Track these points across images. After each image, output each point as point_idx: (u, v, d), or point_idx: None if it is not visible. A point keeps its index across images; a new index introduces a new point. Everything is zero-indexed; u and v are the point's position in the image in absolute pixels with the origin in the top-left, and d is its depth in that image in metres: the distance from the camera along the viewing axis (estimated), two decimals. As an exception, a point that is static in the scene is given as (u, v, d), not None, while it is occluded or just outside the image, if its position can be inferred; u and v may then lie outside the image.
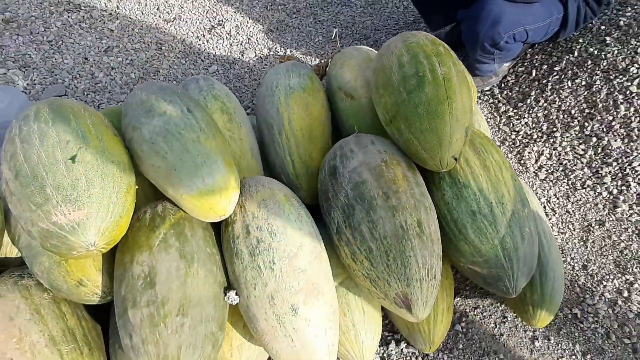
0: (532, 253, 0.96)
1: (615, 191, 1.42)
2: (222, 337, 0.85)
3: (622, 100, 1.51)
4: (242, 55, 1.98)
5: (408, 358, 1.12)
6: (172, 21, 2.13)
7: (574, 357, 1.10)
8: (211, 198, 0.85)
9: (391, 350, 1.13)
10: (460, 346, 1.13)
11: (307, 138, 1.13)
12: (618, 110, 1.51)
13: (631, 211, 1.38)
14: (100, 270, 0.90)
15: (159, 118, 0.90)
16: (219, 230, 0.97)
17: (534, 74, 1.74)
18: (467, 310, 1.20)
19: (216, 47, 2.00)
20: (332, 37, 1.80)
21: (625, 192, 1.41)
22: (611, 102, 1.53)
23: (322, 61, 1.73)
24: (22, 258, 1.08)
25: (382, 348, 1.13)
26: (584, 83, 1.61)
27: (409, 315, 0.87)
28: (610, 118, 1.52)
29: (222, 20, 2.13)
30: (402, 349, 1.13)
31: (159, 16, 2.16)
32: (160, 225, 0.87)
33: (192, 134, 0.89)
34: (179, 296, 0.79)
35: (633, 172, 1.43)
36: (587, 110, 1.57)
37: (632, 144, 1.46)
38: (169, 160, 0.86)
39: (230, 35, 2.06)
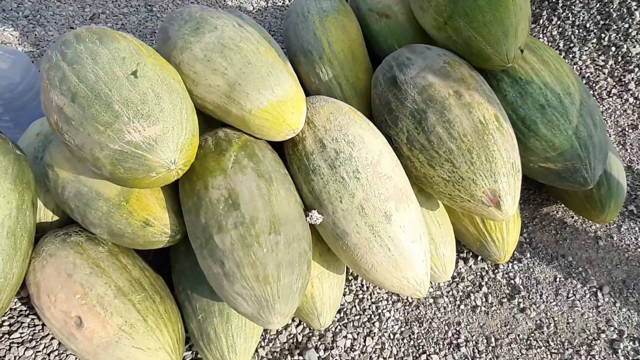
0: (605, 140, 0.94)
1: (641, 96, 1.43)
2: (311, 259, 0.80)
3: (635, 7, 1.51)
4: (240, 9, 1.88)
5: (478, 273, 1.09)
6: (156, -17, 1.99)
7: (639, 250, 1.10)
8: (284, 109, 0.79)
9: (460, 268, 1.10)
10: (528, 255, 1.12)
11: (350, 59, 1.07)
12: (633, 17, 1.51)
13: (660, 112, 1.39)
14: (165, 207, 0.83)
15: (211, 34, 0.82)
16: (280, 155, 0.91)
17: (541, -4, 1.72)
18: (526, 222, 1.19)
19: (211, 3, 1.89)
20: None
21: (651, 95, 1.42)
22: (625, 10, 1.53)
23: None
24: (59, 220, 0.99)
25: (450, 267, 1.11)
26: (594, -4, 1.60)
27: (497, 212, 0.84)
28: (627, 26, 1.52)
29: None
30: (470, 266, 1.10)
31: (140, -21, 2.02)
32: (228, 148, 0.80)
33: (251, 45, 0.81)
34: (268, 214, 0.73)
35: (656, 75, 1.44)
36: (601, 22, 1.56)
37: (651, 48, 1.47)
38: (230, 75, 0.79)
39: (223, -9, 1.95)
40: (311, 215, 0.81)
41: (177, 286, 0.91)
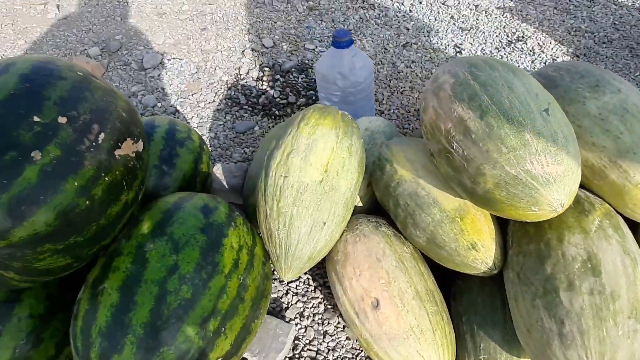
0: None
1: None
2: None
3: None
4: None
5: None
6: (469, 30, 2.11)
7: None
8: (677, 195, 0.71)
9: None
10: None
11: None
12: None
13: None
14: (494, 239, 0.83)
15: (612, 95, 0.80)
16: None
17: None
18: None
19: (517, 60, 1.91)
20: None
21: None
22: None
23: None
24: (361, 207, 1.09)
25: None
26: None
27: None
28: None
29: (523, 37, 2.03)
30: None
31: (454, 24, 2.17)
32: (592, 210, 0.76)
33: (657, 119, 0.76)
34: (630, 297, 0.66)
35: None
36: None
37: None
38: (624, 141, 0.75)
39: (534, 53, 1.94)
40: (662, 318, 0.70)
41: (458, 314, 0.91)
